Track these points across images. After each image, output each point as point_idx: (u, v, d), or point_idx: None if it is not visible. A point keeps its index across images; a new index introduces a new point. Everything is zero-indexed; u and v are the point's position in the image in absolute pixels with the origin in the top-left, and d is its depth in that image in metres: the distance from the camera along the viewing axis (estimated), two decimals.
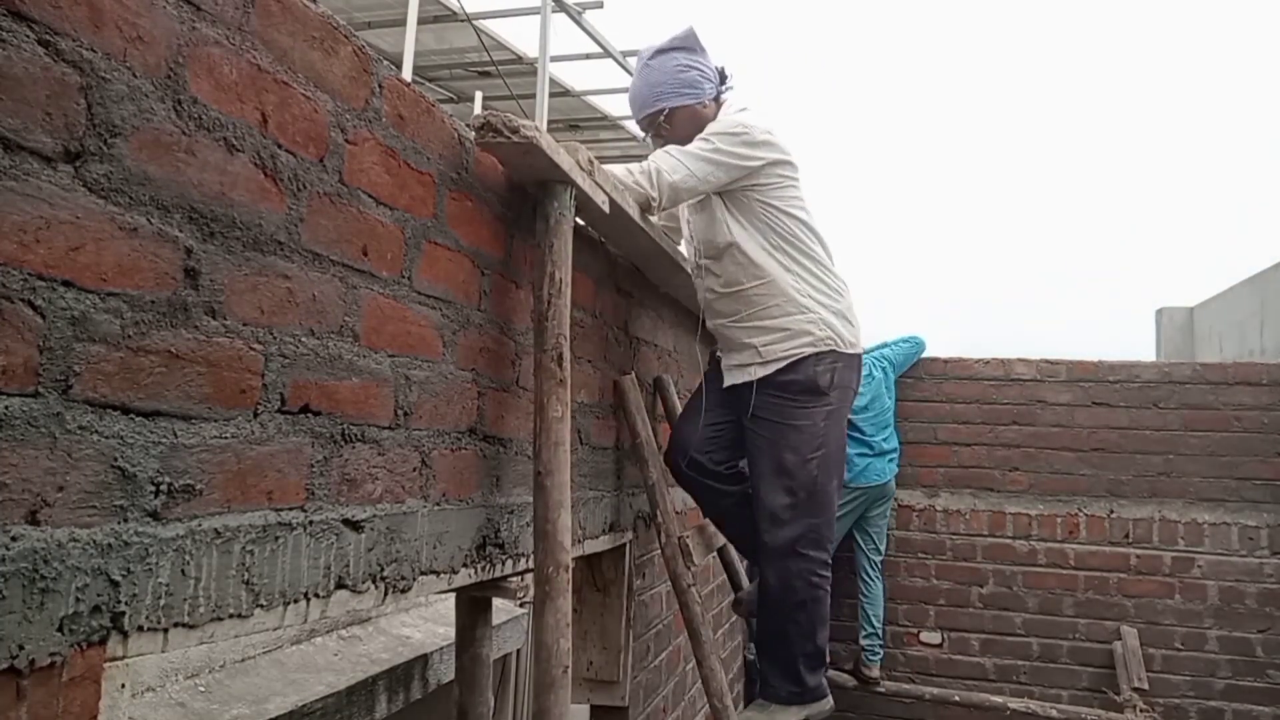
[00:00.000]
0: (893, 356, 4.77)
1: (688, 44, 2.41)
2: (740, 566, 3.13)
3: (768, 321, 2.31)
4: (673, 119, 2.36)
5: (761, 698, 2.46)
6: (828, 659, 2.45)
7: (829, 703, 2.46)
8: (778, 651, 2.37)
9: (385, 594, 1.27)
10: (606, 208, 1.84)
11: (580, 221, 1.95)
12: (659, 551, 2.50)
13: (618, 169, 2.09)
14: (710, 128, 2.27)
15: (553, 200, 1.64)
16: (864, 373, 4.64)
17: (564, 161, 1.60)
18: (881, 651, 4.62)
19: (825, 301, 2.33)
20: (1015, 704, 4.34)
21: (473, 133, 1.50)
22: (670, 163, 2.15)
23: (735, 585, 3.12)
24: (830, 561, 2.37)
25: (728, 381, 2.40)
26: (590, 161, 1.75)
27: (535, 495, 1.59)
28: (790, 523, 2.28)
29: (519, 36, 6.77)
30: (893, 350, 4.79)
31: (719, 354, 2.52)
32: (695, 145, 2.21)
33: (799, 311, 2.30)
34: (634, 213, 2.07)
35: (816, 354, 2.29)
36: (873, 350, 4.79)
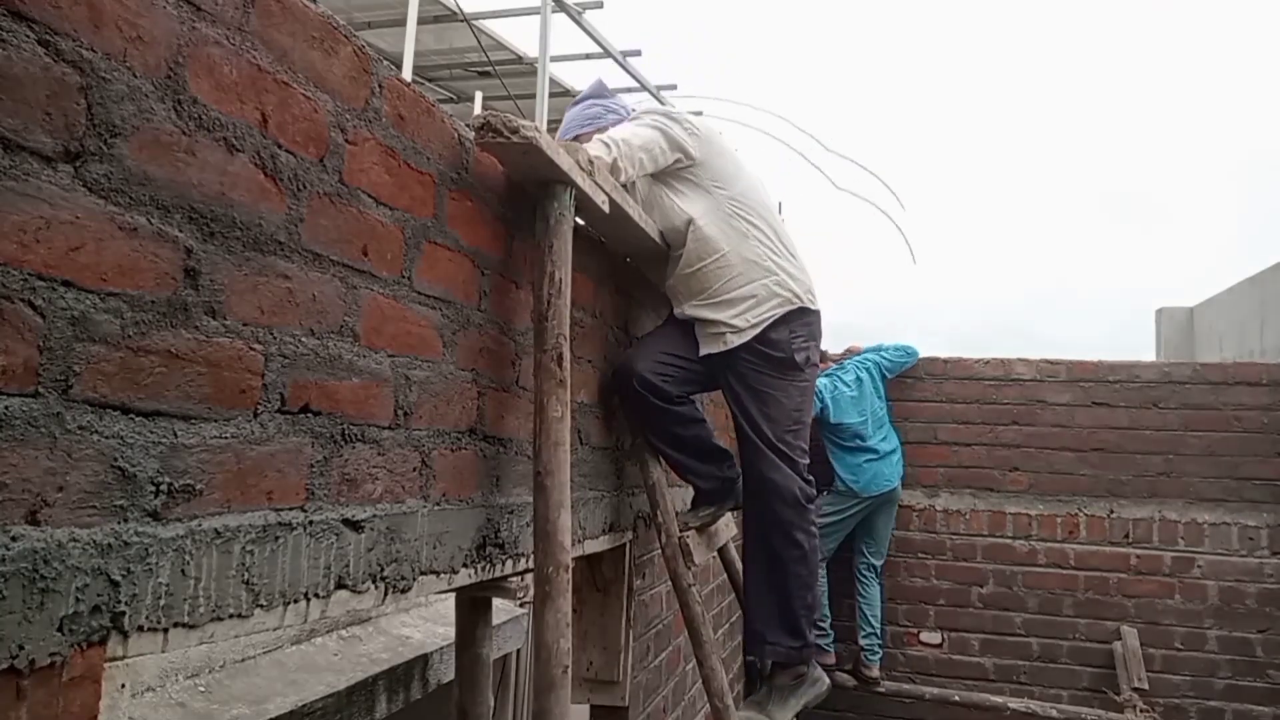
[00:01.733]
0: (882, 362, 4.77)
1: (595, 92, 2.56)
2: (740, 566, 3.12)
3: (734, 293, 2.37)
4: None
5: (755, 655, 2.50)
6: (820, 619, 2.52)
7: (826, 682, 2.52)
8: (779, 606, 2.44)
9: (385, 594, 1.27)
10: (606, 208, 1.85)
11: (580, 221, 1.95)
12: (659, 551, 2.50)
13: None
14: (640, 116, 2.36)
15: (553, 200, 1.64)
16: (851, 377, 4.65)
17: (564, 162, 1.60)
18: (881, 651, 4.62)
19: (784, 265, 2.41)
20: (1015, 704, 4.34)
21: (473, 133, 1.50)
22: (618, 132, 2.19)
23: (736, 586, 3.12)
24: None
25: (703, 350, 2.42)
26: (590, 162, 1.75)
27: (535, 495, 1.59)
28: (789, 480, 2.40)
29: (519, 37, 6.77)
30: (884, 356, 4.79)
31: (686, 315, 2.50)
32: (627, 121, 2.30)
33: (763, 275, 2.37)
34: (634, 213, 2.07)
35: (786, 314, 2.38)
36: (864, 353, 4.79)
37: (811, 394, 2.54)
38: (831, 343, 4.42)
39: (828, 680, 2.53)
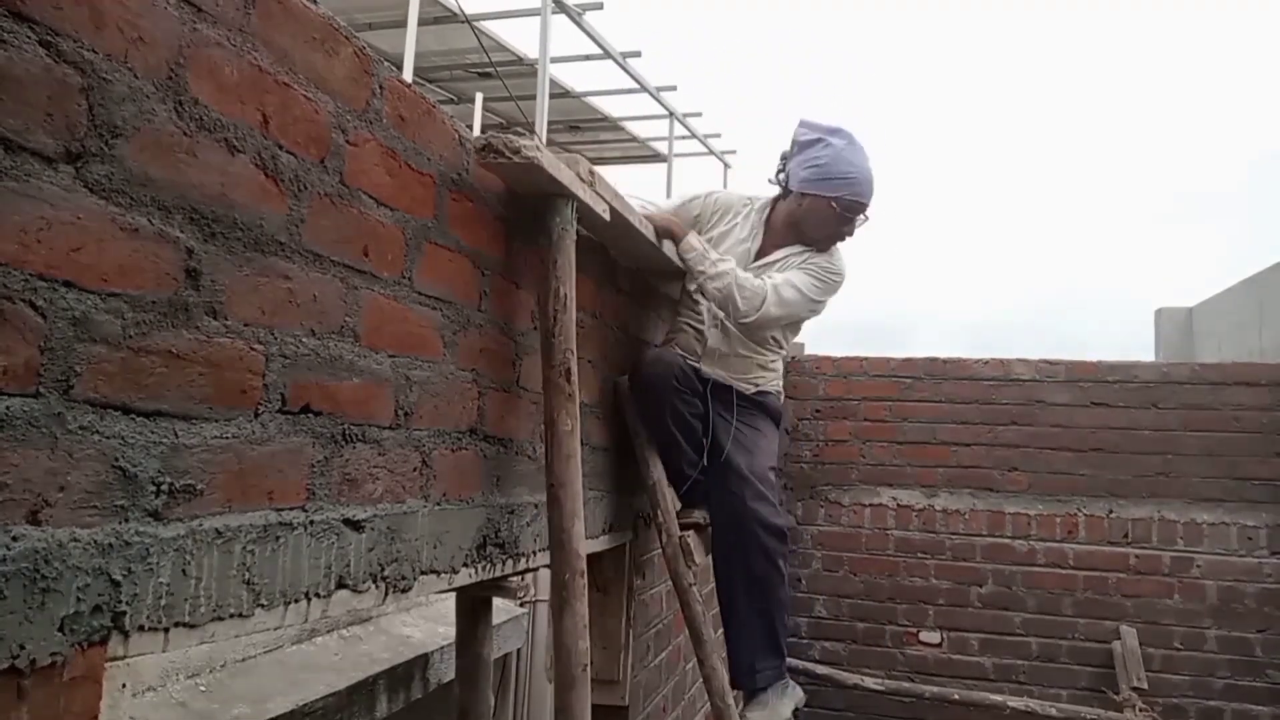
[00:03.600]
0: None
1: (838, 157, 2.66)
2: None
3: (752, 375, 2.66)
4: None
5: (745, 685, 2.58)
6: None
7: (802, 693, 2.70)
8: (765, 630, 2.56)
9: (386, 594, 1.27)
10: (608, 216, 1.86)
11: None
12: (659, 551, 2.50)
13: (744, 278, 2.42)
14: (829, 277, 2.55)
15: (555, 215, 1.65)
16: None
17: (565, 176, 1.61)
18: None
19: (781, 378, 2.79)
20: (1015, 703, 4.34)
21: (474, 153, 1.51)
22: (785, 297, 2.46)
23: None
24: None
25: (705, 371, 2.59)
26: (591, 172, 1.77)
27: (549, 507, 1.62)
28: (773, 514, 2.56)
29: (519, 38, 6.77)
30: None
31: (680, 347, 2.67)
32: (810, 286, 2.51)
33: (775, 380, 2.74)
34: (636, 221, 2.07)
35: (775, 395, 2.74)
36: None
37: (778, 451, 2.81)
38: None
39: (802, 692, 2.71)
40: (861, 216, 2.55)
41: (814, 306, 2.57)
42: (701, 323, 2.62)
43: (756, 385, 2.65)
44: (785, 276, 2.49)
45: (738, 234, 2.63)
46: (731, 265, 2.42)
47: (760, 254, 2.61)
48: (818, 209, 2.52)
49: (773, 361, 2.71)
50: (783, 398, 2.79)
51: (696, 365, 2.56)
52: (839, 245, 2.61)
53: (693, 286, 2.53)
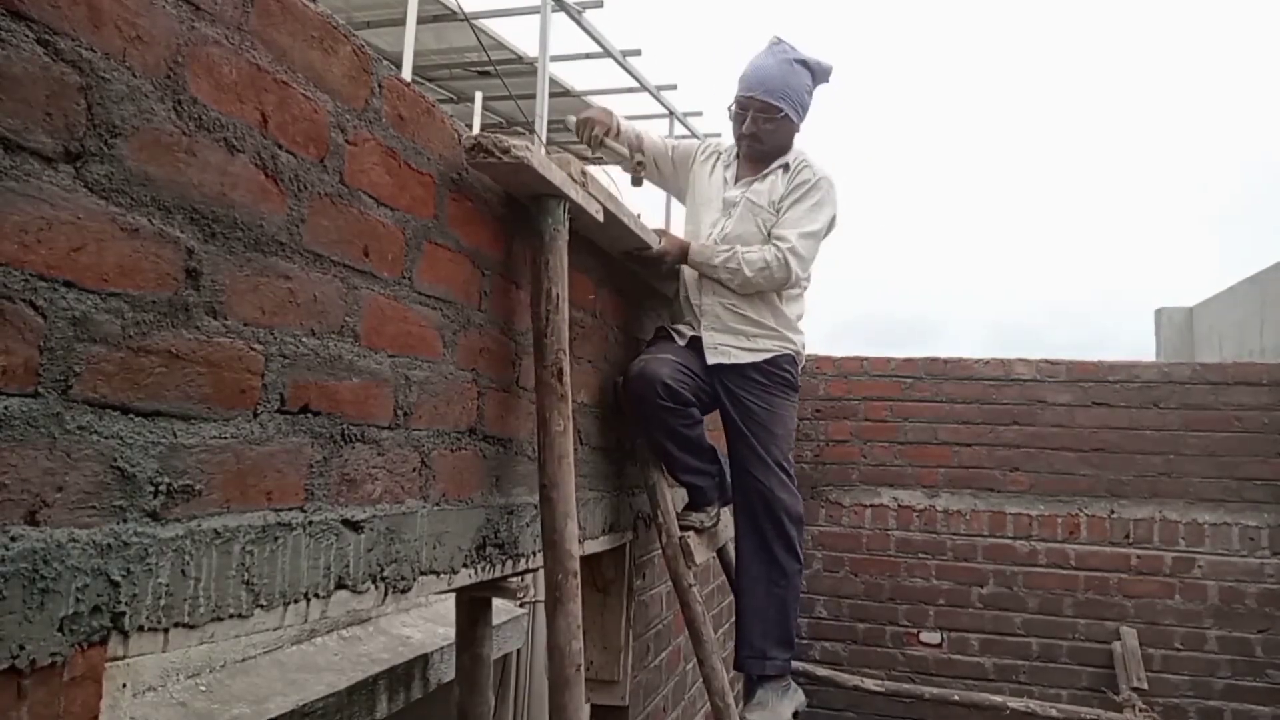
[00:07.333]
0: None
1: (821, 78, 2.61)
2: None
3: (764, 322, 2.53)
4: (778, 123, 2.54)
5: (753, 670, 2.57)
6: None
7: (803, 695, 2.69)
8: (779, 619, 2.55)
9: (385, 594, 1.27)
10: (601, 216, 1.85)
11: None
12: (659, 551, 2.50)
13: (754, 255, 2.42)
14: (819, 192, 2.51)
15: (547, 216, 1.65)
16: None
17: (556, 176, 1.61)
18: None
19: (801, 330, 2.64)
20: (1015, 704, 4.34)
21: (464, 153, 1.50)
22: (805, 250, 2.46)
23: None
24: None
25: (711, 360, 2.50)
26: (583, 173, 1.76)
27: (542, 507, 1.62)
28: (796, 502, 2.58)
29: (519, 36, 6.77)
30: None
31: (684, 328, 2.60)
32: (811, 223, 2.48)
33: (788, 329, 2.57)
34: (630, 221, 2.07)
35: (790, 356, 2.59)
36: None
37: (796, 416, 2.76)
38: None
39: (803, 694, 2.70)
40: (755, 109, 2.52)
41: (826, 225, 2.52)
42: (697, 293, 2.56)
43: (767, 351, 2.51)
44: (786, 230, 2.47)
45: (721, 168, 2.69)
46: (733, 248, 2.43)
47: (739, 179, 2.63)
48: (731, 117, 2.61)
49: (784, 307, 2.56)
50: (802, 358, 2.62)
51: (697, 333, 2.51)
52: (805, 155, 2.59)
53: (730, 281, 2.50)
